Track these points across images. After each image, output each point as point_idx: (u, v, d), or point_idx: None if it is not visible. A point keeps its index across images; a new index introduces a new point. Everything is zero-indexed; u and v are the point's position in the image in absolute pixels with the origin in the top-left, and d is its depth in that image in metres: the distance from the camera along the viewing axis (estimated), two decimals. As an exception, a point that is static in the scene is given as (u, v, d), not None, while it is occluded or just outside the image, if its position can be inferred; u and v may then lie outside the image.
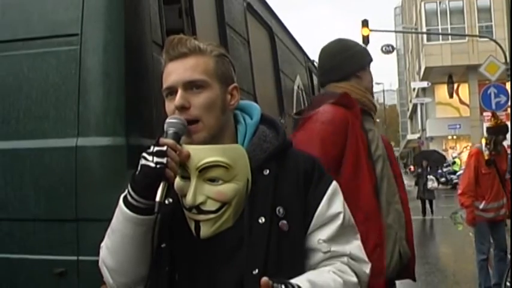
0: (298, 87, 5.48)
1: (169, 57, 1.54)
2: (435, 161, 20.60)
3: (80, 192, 2.15)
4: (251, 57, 3.70)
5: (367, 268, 1.57)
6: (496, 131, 6.26)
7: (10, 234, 2.24)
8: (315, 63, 7.26)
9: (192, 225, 1.50)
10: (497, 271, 6.28)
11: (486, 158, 6.14)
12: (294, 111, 4.84)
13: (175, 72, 1.52)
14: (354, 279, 1.52)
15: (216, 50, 1.58)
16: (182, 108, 1.49)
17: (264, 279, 1.33)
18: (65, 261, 2.15)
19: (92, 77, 2.21)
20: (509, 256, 6.17)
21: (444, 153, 29.81)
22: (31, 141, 2.24)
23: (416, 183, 17.63)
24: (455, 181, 27.84)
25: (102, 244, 1.57)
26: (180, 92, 1.50)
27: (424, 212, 16.55)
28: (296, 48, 5.85)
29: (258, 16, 4.28)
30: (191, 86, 1.51)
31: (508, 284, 5.92)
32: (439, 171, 27.75)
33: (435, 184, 16.59)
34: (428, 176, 16.83)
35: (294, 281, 1.40)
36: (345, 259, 1.53)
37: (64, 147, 2.18)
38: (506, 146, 6.35)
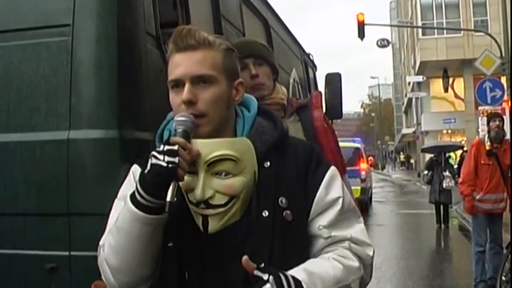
0: (294, 80, 5.43)
1: (176, 48, 1.52)
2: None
3: (71, 186, 2.10)
4: (246, 49, 3.65)
5: (370, 250, 1.57)
6: (489, 119, 6.43)
7: (0, 229, 2.20)
8: (310, 57, 7.22)
9: (200, 221, 1.49)
10: (492, 265, 6.30)
11: (488, 148, 6.20)
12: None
13: (183, 64, 1.50)
14: (356, 263, 1.52)
15: (224, 44, 1.57)
16: (190, 103, 1.48)
17: (245, 258, 1.35)
18: (56, 257, 2.11)
19: (84, 68, 2.16)
20: (504, 250, 6.19)
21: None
22: (21, 135, 2.19)
23: (429, 182, 13.16)
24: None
25: (103, 243, 1.54)
26: (187, 86, 1.49)
27: (439, 220, 13.01)
28: (292, 41, 5.80)
29: (254, 8, 4.23)
30: (199, 80, 1.50)
31: (503, 278, 5.93)
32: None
33: (452, 183, 12.32)
34: (444, 173, 12.61)
35: (290, 272, 1.40)
36: (346, 244, 1.53)
37: (55, 140, 2.14)
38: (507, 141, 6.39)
